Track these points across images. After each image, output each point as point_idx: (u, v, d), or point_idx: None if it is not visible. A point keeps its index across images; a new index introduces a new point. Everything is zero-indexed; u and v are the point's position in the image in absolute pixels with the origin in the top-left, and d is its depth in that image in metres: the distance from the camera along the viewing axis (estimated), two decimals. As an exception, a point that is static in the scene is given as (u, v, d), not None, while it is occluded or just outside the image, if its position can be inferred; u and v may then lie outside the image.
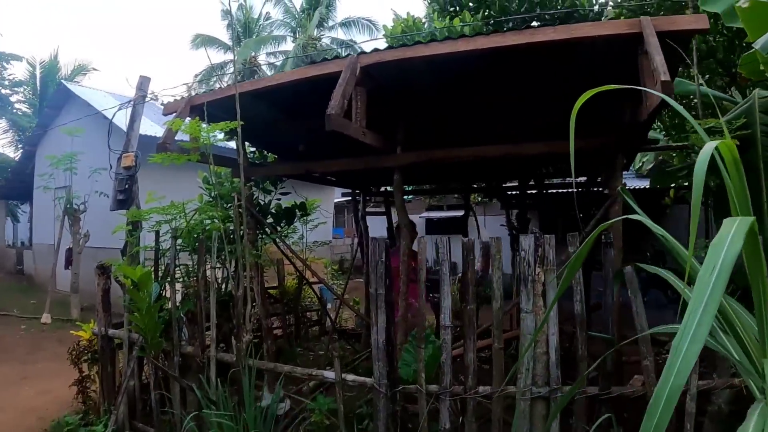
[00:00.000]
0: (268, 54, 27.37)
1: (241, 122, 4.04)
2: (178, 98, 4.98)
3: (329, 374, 3.90)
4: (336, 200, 19.55)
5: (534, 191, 9.24)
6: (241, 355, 4.08)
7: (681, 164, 6.71)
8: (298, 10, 27.48)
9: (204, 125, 4.27)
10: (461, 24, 7.55)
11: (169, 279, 4.72)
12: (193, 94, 5.14)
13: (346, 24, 26.95)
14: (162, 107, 5.12)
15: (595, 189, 7.83)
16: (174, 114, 4.67)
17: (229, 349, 4.60)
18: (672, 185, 6.94)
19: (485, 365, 4.73)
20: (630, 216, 2.27)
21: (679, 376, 1.45)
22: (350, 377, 3.84)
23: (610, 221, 2.29)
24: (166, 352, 4.75)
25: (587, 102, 2.01)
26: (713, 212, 4.08)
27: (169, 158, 4.37)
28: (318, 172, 6.46)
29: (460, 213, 11.56)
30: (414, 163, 4.77)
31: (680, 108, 2.12)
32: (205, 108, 4.43)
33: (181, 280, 5.04)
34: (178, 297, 4.83)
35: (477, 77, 4.18)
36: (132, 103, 7.06)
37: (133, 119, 6.98)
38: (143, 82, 6.98)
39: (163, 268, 5.17)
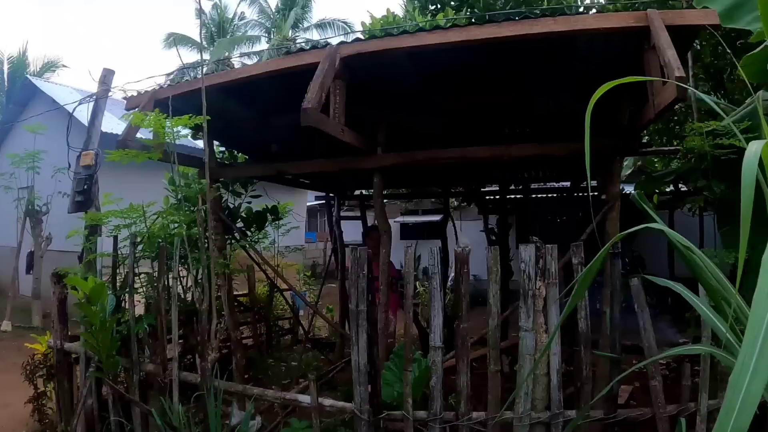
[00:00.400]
0: (242, 54, 26.85)
1: (208, 117, 3.68)
2: (143, 92, 4.59)
3: (305, 398, 3.52)
4: (309, 203, 19.21)
5: (513, 196, 9.03)
6: (206, 375, 3.70)
7: (666, 170, 6.58)
8: (273, 11, 27.04)
9: (168, 121, 3.89)
10: (445, 19, 7.27)
11: (127, 289, 4.33)
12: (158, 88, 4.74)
13: (322, 25, 26.59)
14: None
15: (578, 194, 7.64)
16: (137, 109, 4.28)
17: (195, 362, 4.23)
18: (656, 191, 6.79)
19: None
20: (651, 225, 1.98)
21: (740, 420, 1.11)
22: (328, 402, 3.46)
23: (629, 230, 1.99)
24: (127, 368, 4.34)
25: (584, 102, 1.83)
26: (717, 220, 3.88)
27: (128, 156, 3.98)
28: (291, 173, 6.12)
29: (436, 218, 11.30)
30: (396, 165, 4.45)
31: (712, 103, 1.86)
32: (170, 102, 4.03)
33: (141, 290, 4.63)
34: (141, 309, 4.44)
35: (467, 72, 3.91)
36: (94, 97, 6.60)
37: (95, 115, 6.49)
38: (107, 75, 6.50)
39: (121, 276, 4.75)
